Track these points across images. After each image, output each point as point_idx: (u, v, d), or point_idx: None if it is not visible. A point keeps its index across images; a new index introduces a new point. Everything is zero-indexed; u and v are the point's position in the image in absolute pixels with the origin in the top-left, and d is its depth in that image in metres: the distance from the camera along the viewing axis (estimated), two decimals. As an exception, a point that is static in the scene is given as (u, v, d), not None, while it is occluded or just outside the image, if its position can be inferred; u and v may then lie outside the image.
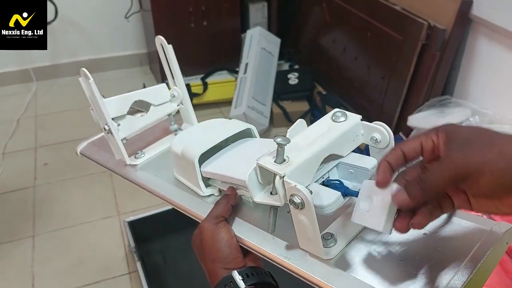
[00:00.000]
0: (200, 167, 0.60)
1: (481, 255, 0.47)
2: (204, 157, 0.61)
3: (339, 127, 0.52)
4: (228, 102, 2.36)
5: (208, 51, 2.52)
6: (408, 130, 1.70)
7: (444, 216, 0.48)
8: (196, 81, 2.43)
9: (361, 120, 0.53)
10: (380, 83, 1.90)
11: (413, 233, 0.48)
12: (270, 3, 2.63)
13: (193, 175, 0.61)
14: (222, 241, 0.53)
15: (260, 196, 0.52)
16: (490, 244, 0.48)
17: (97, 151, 0.77)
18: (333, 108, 0.56)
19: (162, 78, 2.50)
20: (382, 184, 0.43)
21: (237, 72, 2.43)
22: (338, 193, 0.48)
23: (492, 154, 0.38)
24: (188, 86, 2.36)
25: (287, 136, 0.47)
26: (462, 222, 0.51)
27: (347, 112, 0.54)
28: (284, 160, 0.47)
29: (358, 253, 0.49)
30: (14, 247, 1.61)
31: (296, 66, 2.56)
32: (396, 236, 0.50)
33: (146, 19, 2.58)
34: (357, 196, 0.48)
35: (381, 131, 0.52)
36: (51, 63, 2.74)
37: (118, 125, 0.68)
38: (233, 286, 0.50)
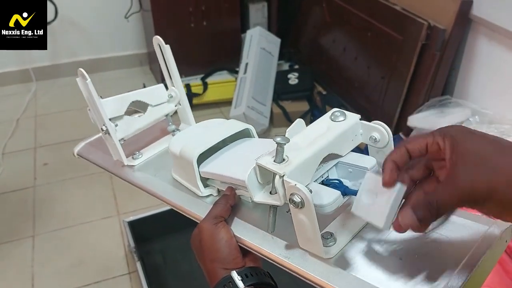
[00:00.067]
0: (198, 167, 0.60)
1: (481, 253, 0.47)
2: (203, 157, 0.61)
3: (338, 127, 0.52)
4: (228, 102, 2.36)
5: (208, 51, 2.52)
6: (408, 130, 1.70)
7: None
8: (196, 81, 2.43)
9: (360, 119, 0.53)
10: (380, 83, 1.90)
11: (412, 232, 0.48)
12: (270, 3, 2.63)
13: (192, 175, 0.61)
14: (221, 241, 0.53)
15: (259, 196, 0.52)
16: (490, 242, 0.48)
17: (95, 151, 0.76)
18: (333, 108, 0.56)
19: (162, 78, 2.49)
20: (389, 184, 0.44)
21: (237, 72, 2.43)
22: (338, 192, 0.48)
23: (500, 183, 0.38)
24: (188, 86, 2.36)
25: (286, 136, 0.48)
26: (462, 221, 0.51)
27: (346, 111, 0.54)
28: (284, 160, 0.47)
29: (358, 252, 0.49)
30: (14, 247, 1.61)
31: (296, 66, 2.56)
32: (395, 235, 0.50)
33: (146, 19, 2.58)
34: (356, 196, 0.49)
35: (380, 131, 0.52)
36: (51, 63, 2.74)
37: (116, 125, 0.68)
38: (232, 286, 0.50)
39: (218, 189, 0.62)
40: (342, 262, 0.48)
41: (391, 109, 1.82)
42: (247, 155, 0.58)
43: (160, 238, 1.56)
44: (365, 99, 2.02)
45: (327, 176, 0.53)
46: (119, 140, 0.69)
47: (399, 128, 1.80)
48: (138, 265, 1.38)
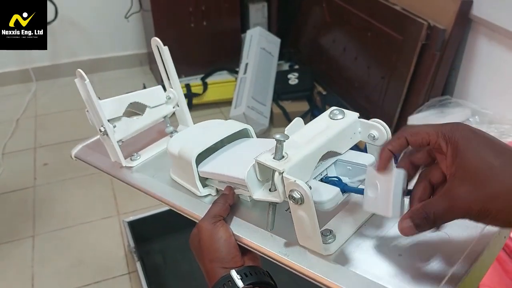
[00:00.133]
0: (197, 167, 0.60)
1: (480, 249, 0.47)
2: (201, 157, 0.61)
3: (337, 125, 0.52)
4: (228, 102, 2.36)
5: (208, 51, 2.52)
6: (408, 130, 1.69)
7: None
8: (196, 81, 2.43)
9: (359, 117, 0.53)
10: (380, 83, 1.90)
11: None
12: (270, 3, 2.63)
13: (190, 175, 0.61)
14: (220, 240, 0.53)
15: (259, 193, 0.52)
16: (488, 238, 0.48)
17: (92, 153, 0.77)
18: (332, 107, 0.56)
19: (162, 78, 2.50)
20: (381, 169, 0.45)
21: (237, 72, 2.43)
22: (337, 189, 0.48)
23: (498, 203, 0.38)
24: (188, 86, 2.36)
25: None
26: None
27: (344, 109, 0.54)
28: (283, 157, 0.47)
29: (357, 248, 0.49)
30: (14, 247, 1.61)
31: (296, 66, 2.56)
32: (395, 231, 0.50)
33: (146, 19, 2.58)
34: (355, 193, 0.49)
35: (378, 128, 0.52)
36: (51, 63, 2.75)
37: (114, 126, 0.68)
38: (231, 285, 0.50)
39: (216, 188, 0.62)
40: (342, 259, 0.48)
41: (391, 109, 1.82)
42: (245, 154, 0.58)
43: (160, 238, 1.55)
44: (365, 99, 2.02)
45: (326, 174, 0.53)
46: (117, 142, 0.69)
47: (399, 128, 1.79)
48: (138, 265, 1.38)
